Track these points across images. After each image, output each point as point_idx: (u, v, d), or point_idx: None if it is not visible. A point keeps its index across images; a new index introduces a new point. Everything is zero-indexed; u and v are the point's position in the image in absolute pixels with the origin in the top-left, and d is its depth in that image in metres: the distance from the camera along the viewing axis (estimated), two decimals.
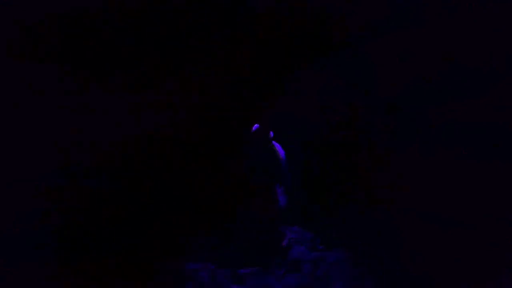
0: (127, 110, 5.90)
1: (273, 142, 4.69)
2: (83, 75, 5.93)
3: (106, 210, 5.66)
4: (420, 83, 5.72)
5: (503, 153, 5.33)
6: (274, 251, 3.30)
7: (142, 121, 5.92)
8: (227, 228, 3.99)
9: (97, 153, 5.78)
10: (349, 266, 3.28)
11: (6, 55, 5.83)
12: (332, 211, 4.86)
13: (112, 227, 5.60)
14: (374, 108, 5.67)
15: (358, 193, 5.31)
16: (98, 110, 5.85)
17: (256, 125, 4.59)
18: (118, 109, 5.88)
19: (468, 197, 5.31)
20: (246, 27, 6.01)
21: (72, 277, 5.31)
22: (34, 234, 5.46)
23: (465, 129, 5.49)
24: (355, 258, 3.40)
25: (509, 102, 5.44)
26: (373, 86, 5.80)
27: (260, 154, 4.17)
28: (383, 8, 5.84)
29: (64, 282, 5.28)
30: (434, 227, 5.22)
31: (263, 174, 3.91)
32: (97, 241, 5.53)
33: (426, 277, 4.92)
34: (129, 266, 5.36)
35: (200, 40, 5.98)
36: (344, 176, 5.43)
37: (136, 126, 5.90)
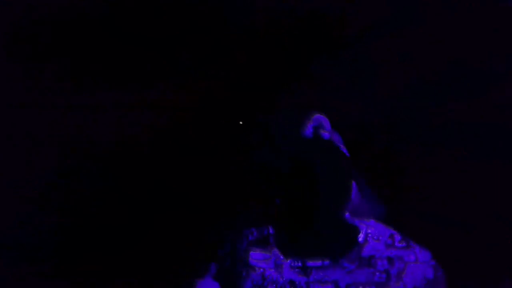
0: (126, 109, 5.89)
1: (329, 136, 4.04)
2: (82, 74, 5.92)
3: (105, 210, 5.66)
4: (420, 83, 5.72)
5: (503, 153, 5.33)
6: (348, 246, 3.20)
7: (141, 120, 5.91)
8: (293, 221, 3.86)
9: (96, 153, 5.77)
10: (427, 268, 3.21)
11: (5, 54, 5.82)
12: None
13: (112, 227, 5.60)
14: (375, 108, 5.68)
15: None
16: (97, 110, 5.84)
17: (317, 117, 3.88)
18: (117, 109, 5.87)
19: (468, 197, 5.31)
20: (246, 26, 6.00)
21: (72, 277, 5.31)
22: (34, 234, 5.45)
23: (465, 129, 5.49)
24: (434, 260, 3.33)
25: (509, 102, 5.44)
26: (373, 86, 5.80)
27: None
28: (383, 8, 5.84)
29: (64, 282, 5.28)
30: (434, 227, 5.22)
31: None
32: (97, 241, 5.52)
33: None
34: (129, 266, 5.36)
35: (199, 40, 5.97)
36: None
37: (135, 125, 5.89)
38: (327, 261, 3.17)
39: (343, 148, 3.83)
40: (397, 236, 3.44)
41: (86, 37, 5.87)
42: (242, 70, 5.90)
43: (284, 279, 3.13)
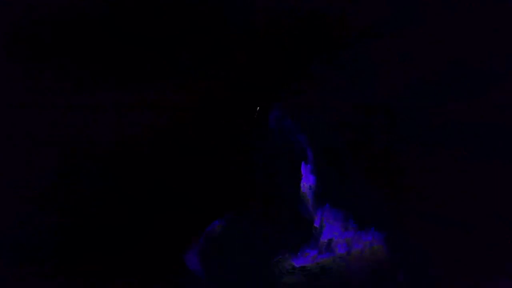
0: (126, 109, 5.88)
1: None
2: (82, 74, 5.92)
3: (105, 210, 5.65)
4: (420, 83, 5.72)
5: (503, 153, 5.33)
6: (306, 232, 3.24)
7: (141, 120, 5.90)
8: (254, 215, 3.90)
9: (96, 153, 5.77)
10: (383, 247, 3.24)
11: (5, 55, 5.82)
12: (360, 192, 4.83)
13: (112, 227, 5.60)
14: (374, 108, 5.68)
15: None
16: (97, 110, 5.84)
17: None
18: (117, 109, 5.87)
19: (468, 197, 5.31)
20: (246, 26, 6.00)
21: (72, 277, 5.30)
22: (34, 234, 5.45)
23: (465, 129, 5.49)
24: (389, 238, 3.35)
25: (509, 102, 5.44)
26: (373, 86, 5.80)
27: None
28: (383, 9, 5.84)
29: (64, 282, 5.27)
30: (434, 227, 5.22)
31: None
32: (97, 241, 5.52)
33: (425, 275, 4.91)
34: (129, 266, 5.35)
35: (199, 40, 5.97)
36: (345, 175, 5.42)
37: (135, 125, 5.89)
38: (289, 251, 3.22)
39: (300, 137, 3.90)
40: (351, 218, 3.48)
41: (85, 37, 5.87)
42: (242, 70, 5.90)
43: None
